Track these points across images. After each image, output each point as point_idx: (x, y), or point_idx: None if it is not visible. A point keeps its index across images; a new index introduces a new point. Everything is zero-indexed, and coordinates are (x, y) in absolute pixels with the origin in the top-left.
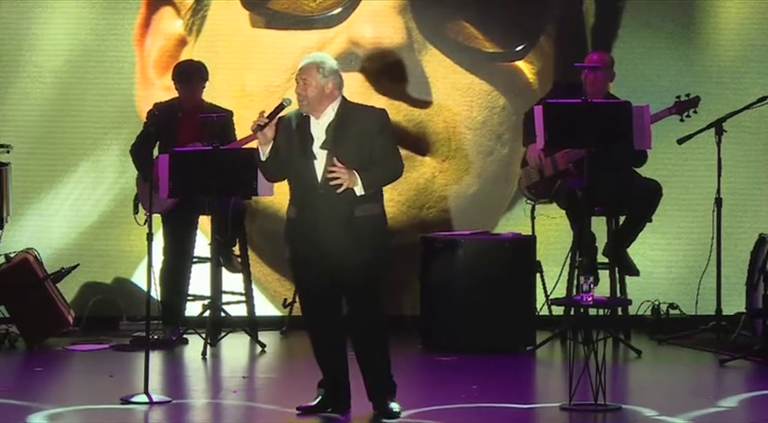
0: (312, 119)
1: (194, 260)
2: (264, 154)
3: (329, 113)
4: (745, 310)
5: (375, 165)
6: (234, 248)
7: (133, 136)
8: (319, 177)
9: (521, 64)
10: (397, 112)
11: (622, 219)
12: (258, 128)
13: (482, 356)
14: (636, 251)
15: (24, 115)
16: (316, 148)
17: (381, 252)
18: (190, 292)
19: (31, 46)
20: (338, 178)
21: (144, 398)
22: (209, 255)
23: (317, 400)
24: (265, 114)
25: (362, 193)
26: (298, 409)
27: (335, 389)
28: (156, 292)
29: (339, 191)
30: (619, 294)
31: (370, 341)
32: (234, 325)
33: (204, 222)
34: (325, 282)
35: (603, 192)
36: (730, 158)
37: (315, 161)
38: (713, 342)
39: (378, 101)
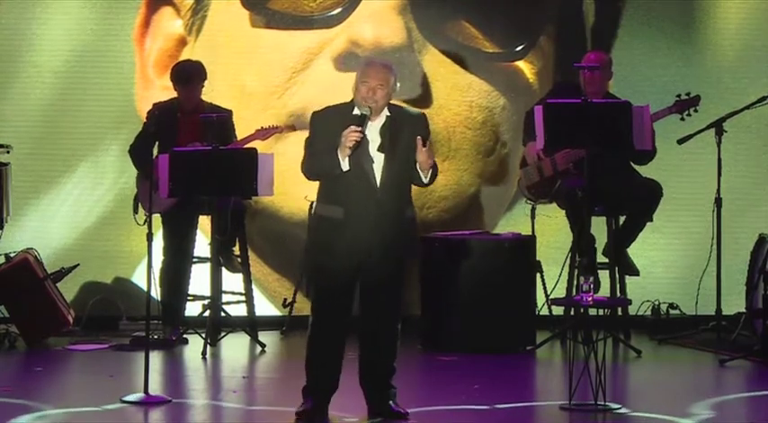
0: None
1: (194, 260)
2: (347, 164)
3: (383, 116)
4: (745, 310)
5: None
6: (234, 248)
7: (133, 136)
8: (378, 181)
9: (521, 64)
10: None
11: (622, 219)
12: (356, 144)
13: (482, 356)
14: (636, 251)
15: (24, 115)
16: (372, 150)
17: (415, 251)
18: (190, 292)
19: (31, 46)
20: (429, 151)
21: (144, 398)
22: (209, 255)
23: (313, 405)
24: (356, 130)
25: (426, 181)
26: (297, 414)
27: (325, 390)
28: (155, 292)
29: (424, 162)
30: (619, 294)
31: (392, 338)
32: (234, 325)
33: (204, 222)
34: (352, 276)
35: (603, 192)
36: (730, 158)
37: (373, 164)
38: (713, 342)
39: None
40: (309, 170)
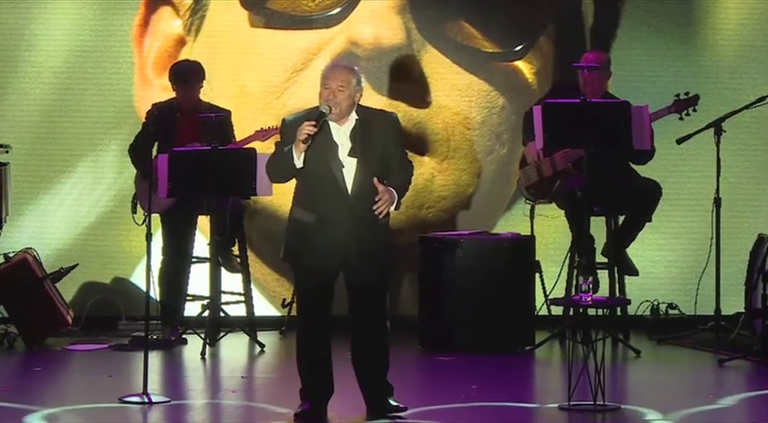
0: (333, 125)
1: (193, 260)
2: (301, 161)
3: (351, 119)
4: (744, 310)
5: (393, 171)
6: (233, 248)
7: (132, 136)
8: (350, 187)
9: (520, 64)
10: (397, 111)
11: (622, 219)
12: (309, 138)
13: (481, 356)
14: (635, 251)
15: (23, 115)
16: (342, 155)
17: (392, 253)
18: (189, 292)
19: (30, 45)
20: (384, 205)
21: (143, 398)
22: (208, 255)
23: (311, 407)
24: (310, 124)
25: (395, 209)
26: (295, 416)
27: (322, 389)
28: (154, 292)
29: (382, 216)
30: (618, 294)
31: (381, 337)
32: (233, 325)
33: (203, 222)
34: (331, 280)
35: (603, 192)
36: (729, 158)
37: (343, 169)
38: (712, 342)
39: (377, 101)
40: (269, 169)
